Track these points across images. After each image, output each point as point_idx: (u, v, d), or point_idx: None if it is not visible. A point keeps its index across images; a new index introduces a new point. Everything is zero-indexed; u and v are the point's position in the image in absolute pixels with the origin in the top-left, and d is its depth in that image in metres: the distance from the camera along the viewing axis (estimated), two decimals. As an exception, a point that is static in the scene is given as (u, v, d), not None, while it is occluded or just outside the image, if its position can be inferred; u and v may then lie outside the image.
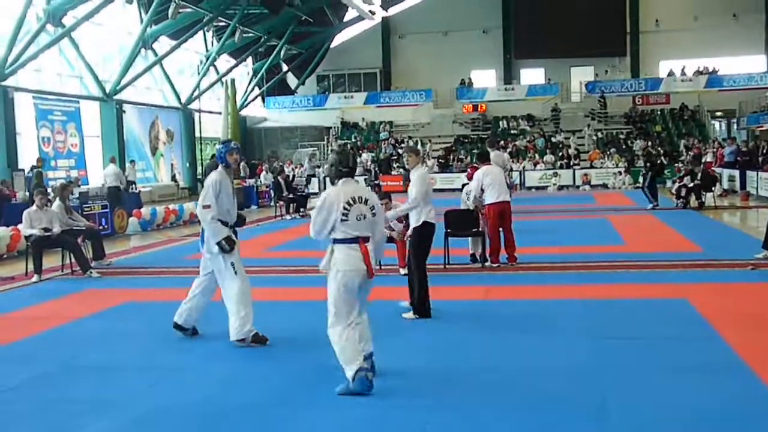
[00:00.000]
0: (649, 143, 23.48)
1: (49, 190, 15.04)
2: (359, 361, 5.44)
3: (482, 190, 11.13)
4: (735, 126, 39.60)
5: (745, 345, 6.39)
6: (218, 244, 6.79)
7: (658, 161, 21.17)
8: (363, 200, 5.62)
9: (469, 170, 13.20)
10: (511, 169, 22.87)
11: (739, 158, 25.60)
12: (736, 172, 24.66)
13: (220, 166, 7.02)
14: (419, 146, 36.33)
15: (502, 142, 34.68)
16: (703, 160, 25.20)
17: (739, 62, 39.95)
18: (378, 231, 5.78)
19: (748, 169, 24.08)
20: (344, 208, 5.54)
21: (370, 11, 40.87)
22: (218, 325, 7.17)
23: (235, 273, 6.81)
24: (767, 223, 11.64)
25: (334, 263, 5.57)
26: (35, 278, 11.24)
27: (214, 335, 7.22)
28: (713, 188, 20.81)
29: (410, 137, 38.90)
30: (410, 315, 8.00)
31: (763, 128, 33.94)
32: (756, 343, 6.54)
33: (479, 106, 40.67)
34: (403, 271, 10.21)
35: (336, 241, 5.60)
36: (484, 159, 11.77)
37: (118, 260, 13.35)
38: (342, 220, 5.53)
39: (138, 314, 8.84)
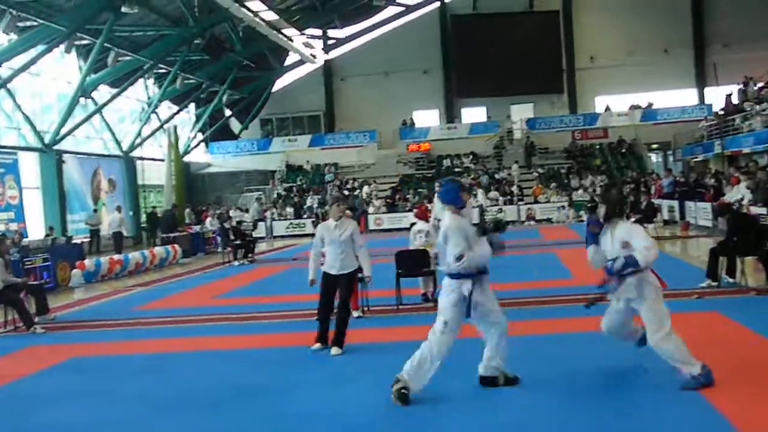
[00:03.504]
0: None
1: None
2: (695, 358, 6.09)
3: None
4: (671, 158, 40.76)
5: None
6: None
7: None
8: None
9: (416, 209, 13.22)
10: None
11: (677, 189, 26.30)
12: (675, 203, 25.30)
13: None
14: (365, 188, 36.51)
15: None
16: (641, 189, 25.82)
17: (672, 96, 41.30)
18: None
19: (687, 199, 24.75)
20: None
21: (311, 55, 41.20)
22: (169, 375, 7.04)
23: None
24: (710, 252, 11.89)
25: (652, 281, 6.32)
26: (-24, 336, 10.90)
27: (168, 387, 7.06)
28: (654, 219, 21.30)
29: (355, 179, 39.03)
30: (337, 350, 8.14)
31: (698, 159, 34.97)
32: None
33: (423, 146, 41.13)
34: (356, 314, 10.18)
35: None
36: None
37: (62, 314, 13.01)
38: None
39: (87, 369, 8.59)
